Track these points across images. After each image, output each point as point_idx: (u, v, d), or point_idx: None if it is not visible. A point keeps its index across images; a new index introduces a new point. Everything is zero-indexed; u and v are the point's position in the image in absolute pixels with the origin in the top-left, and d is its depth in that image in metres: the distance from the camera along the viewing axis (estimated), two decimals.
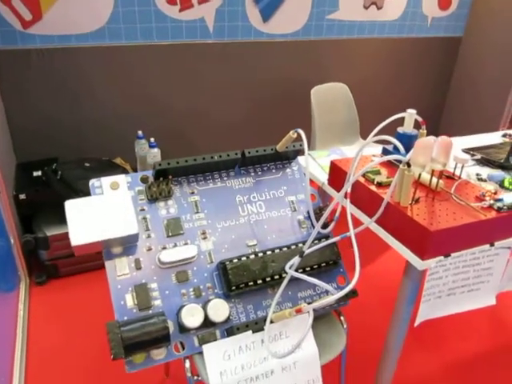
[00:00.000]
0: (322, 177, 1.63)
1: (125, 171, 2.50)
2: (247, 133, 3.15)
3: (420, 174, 1.27)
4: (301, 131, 1.23)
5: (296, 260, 1.18)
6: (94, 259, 2.32)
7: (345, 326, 1.35)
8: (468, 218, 1.17)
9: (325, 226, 1.28)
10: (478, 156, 1.83)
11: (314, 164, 1.76)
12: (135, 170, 2.61)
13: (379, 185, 1.31)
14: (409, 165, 1.14)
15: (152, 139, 2.57)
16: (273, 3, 2.82)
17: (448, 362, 1.94)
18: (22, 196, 2.26)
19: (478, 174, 1.65)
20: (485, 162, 1.81)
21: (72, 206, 1.07)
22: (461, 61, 3.60)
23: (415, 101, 3.63)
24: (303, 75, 3.11)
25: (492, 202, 1.21)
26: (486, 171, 1.72)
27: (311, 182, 1.60)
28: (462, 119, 3.68)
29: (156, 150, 2.58)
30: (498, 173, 1.64)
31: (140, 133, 2.57)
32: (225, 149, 1.25)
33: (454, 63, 3.66)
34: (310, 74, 3.11)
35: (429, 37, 3.44)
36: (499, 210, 1.20)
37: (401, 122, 1.45)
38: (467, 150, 1.91)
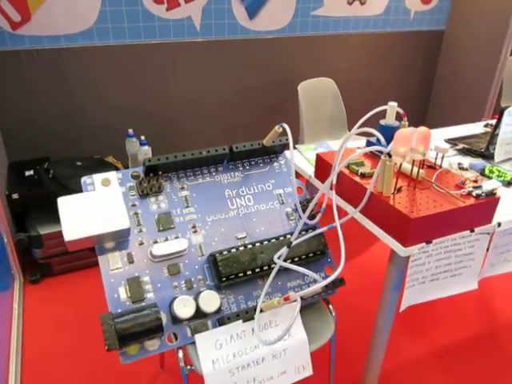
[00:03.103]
0: (309, 170, 1.66)
1: (116, 169, 2.51)
2: (238, 129, 3.17)
3: (401, 164, 1.31)
4: (286, 125, 1.25)
5: (284, 250, 1.21)
6: (87, 257, 2.35)
7: (333, 314, 1.38)
8: (448, 205, 1.20)
9: (312, 217, 1.31)
10: (460, 146, 1.88)
11: (301, 158, 1.79)
12: (127, 168, 2.63)
13: (363, 176, 1.34)
14: (390, 155, 1.18)
15: (143, 137, 2.59)
16: (258, 0, 2.84)
17: (436, 348, 1.99)
18: (15, 195, 2.26)
19: (459, 164, 1.69)
20: (466, 151, 1.85)
21: (65, 203, 1.09)
22: (444, 53, 3.64)
23: (402, 94, 3.68)
24: (290, 71, 3.14)
25: (471, 189, 1.25)
26: (467, 160, 1.76)
27: (300, 175, 1.64)
28: (448, 110, 3.73)
29: (147, 148, 2.60)
30: (478, 162, 1.69)
31: (130, 131, 2.59)
32: (215, 145, 1.27)
33: (438, 56, 3.70)
34: (297, 69, 3.14)
35: (412, 30, 3.48)
36: (478, 196, 1.23)
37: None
38: (450, 140, 1.95)
